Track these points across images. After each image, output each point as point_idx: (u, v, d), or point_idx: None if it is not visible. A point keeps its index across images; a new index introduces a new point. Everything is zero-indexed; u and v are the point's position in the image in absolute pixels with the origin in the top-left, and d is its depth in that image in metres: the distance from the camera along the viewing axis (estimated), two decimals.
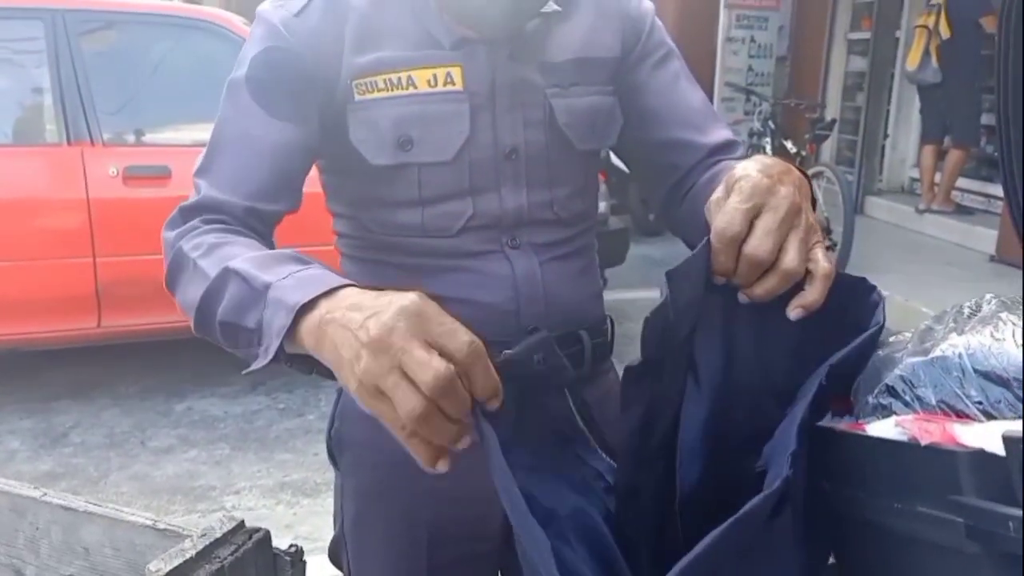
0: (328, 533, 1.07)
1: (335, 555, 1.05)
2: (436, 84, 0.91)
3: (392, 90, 0.90)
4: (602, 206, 4.16)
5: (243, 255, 0.76)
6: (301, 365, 0.70)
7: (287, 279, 0.70)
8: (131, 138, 3.53)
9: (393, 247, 0.96)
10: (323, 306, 0.65)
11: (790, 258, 0.70)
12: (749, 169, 0.72)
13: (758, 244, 0.69)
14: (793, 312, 0.71)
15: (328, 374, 0.65)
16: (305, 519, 2.62)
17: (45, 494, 0.88)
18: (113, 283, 3.32)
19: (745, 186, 0.70)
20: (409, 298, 0.60)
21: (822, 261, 0.71)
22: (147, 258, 3.32)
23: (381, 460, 0.95)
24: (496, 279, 0.93)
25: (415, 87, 0.90)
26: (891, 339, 0.86)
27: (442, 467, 0.61)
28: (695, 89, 1.04)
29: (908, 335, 0.85)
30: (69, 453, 3.07)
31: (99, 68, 3.62)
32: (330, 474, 1.05)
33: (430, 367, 0.57)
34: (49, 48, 3.34)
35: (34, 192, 3.35)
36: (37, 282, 3.27)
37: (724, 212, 0.70)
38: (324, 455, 1.04)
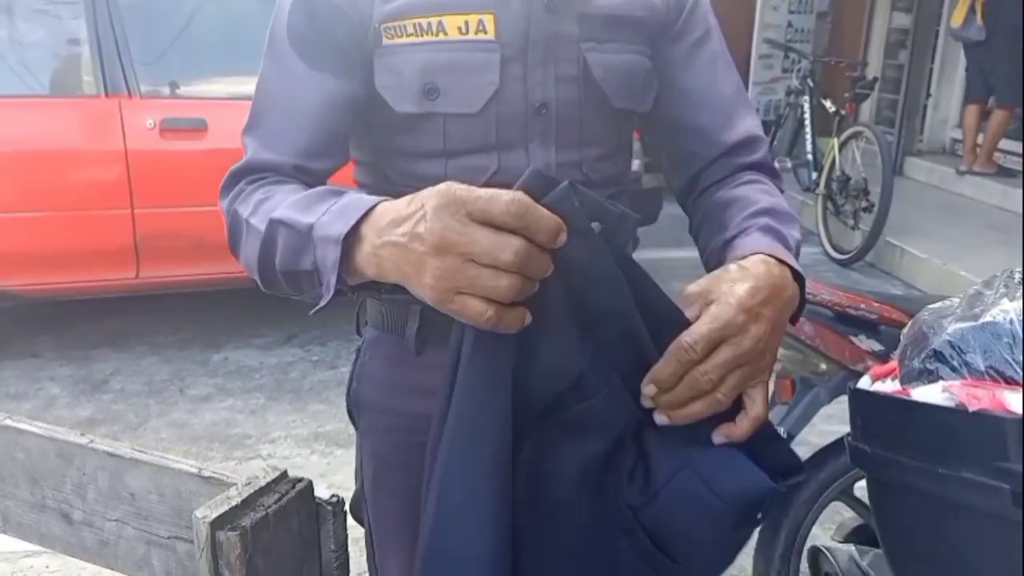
0: None
1: (356, 511, 1.06)
2: (467, 32, 0.87)
3: (421, 35, 0.87)
4: (636, 164, 4.12)
5: (284, 203, 0.78)
6: (369, 292, 0.73)
7: (326, 215, 0.72)
8: (167, 90, 3.54)
9: None
10: (367, 231, 0.67)
11: (724, 392, 0.70)
12: (732, 295, 0.71)
13: (706, 372, 0.69)
14: (717, 437, 0.73)
15: (401, 291, 0.67)
16: (338, 468, 2.67)
17: (92, 440, 0.90)
18: (151, 235, 3.36)
19: (721, 315, 0.70)
20: (439, 192, 0.61)
21: (759, 404, 0.72)
22: (184, 210, 3.37)
23: (397, 425, 0.95)
24: None
25: (445, 33, 0.87)
26: (937, 304, 0.85)
27: (527, 319, 0.64)
28: (730, 74, 1.00)
29: (956, 300, 0.84)
30: (109, 400, 3.14)
31: (136, 20, 3.63)
32: None
33: (505, 245, 0.59)
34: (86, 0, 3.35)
35: (72, 143, 3.38)
36: (76, 233, 3.32)
37: (690, 333, 0.69)
38: None
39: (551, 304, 0.67)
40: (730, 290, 0.71)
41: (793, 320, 0.78)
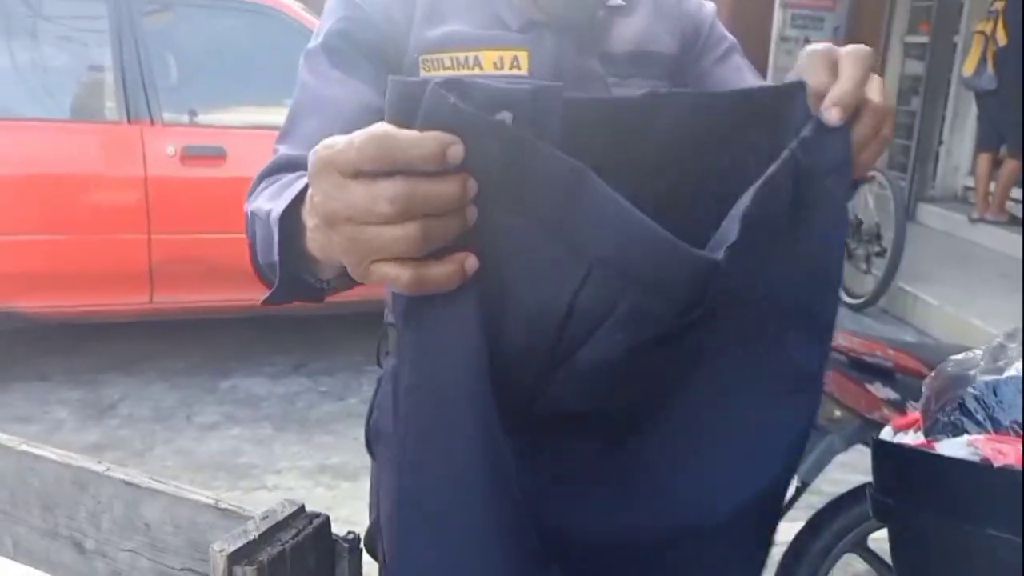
0: (365, 518, 1.08)
1: (370, 545, 1.03)
2: (502, 67, 0.90)
3: (458, 69, 0.90)
4: None
5: (265, 191, 0.75)
6: (341, 283, 0.67)
7: (283, 198, 0.66)
8: (188, 118, 3.58)
9: None
10: (304, 211, 0.61)
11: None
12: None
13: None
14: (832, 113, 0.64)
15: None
16: (344, 502, 2.66)
17: (108, 468, 0.90)
18: (166, 260, 3.38)
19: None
20: (311, 159, 0.53)
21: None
22: (201, 237, 3.39)
23: None
24: None
25: (480, 68, 0.90)
26: (960, 356, 0.84)
27: (471, 266, 0.53)
28: (758, 82, 1.04)
29: (978, 352, 0.84)
30: (116, 425, 3.14)
31: (160, 48, 3.69)
32: (368, 459, 1.06)
33: (378, 196, 0.49)
34: (112, 27, 3.40)
35: (93, 168, 3.42)
36: (92, 256, 3.35)
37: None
38: (363, 439, 1.04)
39: (502, 231, 0.54)
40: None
41: None
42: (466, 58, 0.90)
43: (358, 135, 0.51)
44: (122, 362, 3.68)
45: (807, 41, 7.41)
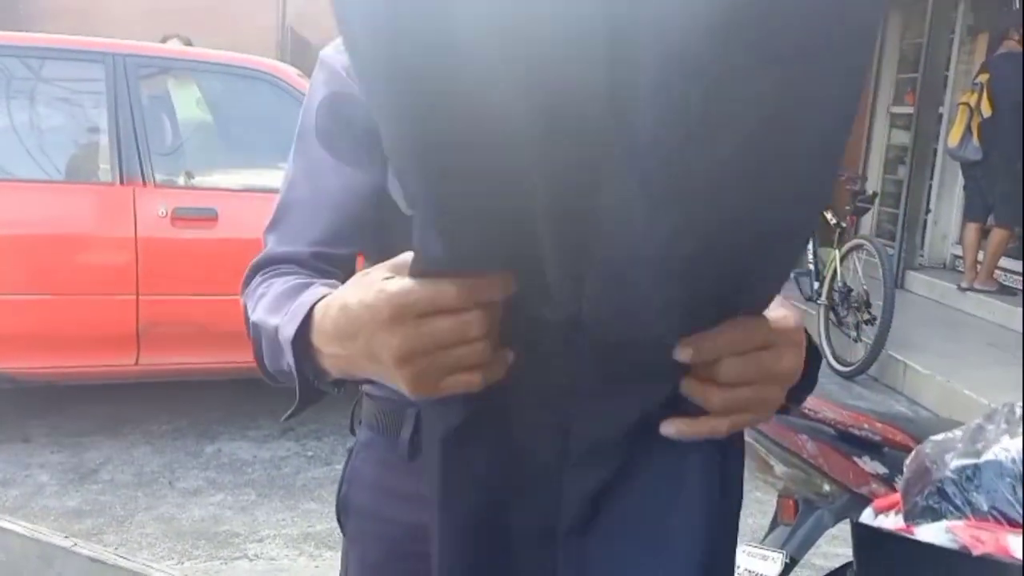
0: None
1: None
2: None
3: None
4: None
5: (265, 299, 0.78)
6: (353, 384, 0.71)
7: (286, 315, 0.71)
8: (181, 180, 3.61)
9: None
10: (315, 338, 0.67)
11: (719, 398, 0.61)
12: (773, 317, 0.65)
13: (730, 364, 0.60)
14: (668, 427, 0.62)
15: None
16: (327, 573, 2.60)
17: (75, 544, 0.88)
18: (154, 322, 3.37)
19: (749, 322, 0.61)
20: (377, 305, 0.59)
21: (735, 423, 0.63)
22: (189, 298, 3.39)
23: (387, 533, 0.92)
24: None
25: None
26: (940, 436, 0.84)
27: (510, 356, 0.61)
28: None
29: (958, 433, 0.83)
30: (97, 490, 3.08)
31: (155, 110, 3.74)
32: None
33: (470, 326, 0.57)
34: (108, 90, 3.45)
35: (84, 228, 3.44)
36: (80, 317, 3.33)
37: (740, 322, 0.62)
38: None
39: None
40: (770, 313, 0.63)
41: (796, 396, 0.69)
42: None
43: (445, 286, 0.57)
44: (106, 425, 3.64)
45: None
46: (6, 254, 3.28)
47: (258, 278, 0.86)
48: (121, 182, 3.41)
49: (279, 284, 0.81)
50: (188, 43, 4.99)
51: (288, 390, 0.74)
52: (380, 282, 0.60)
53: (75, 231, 3.41)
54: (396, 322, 0.58)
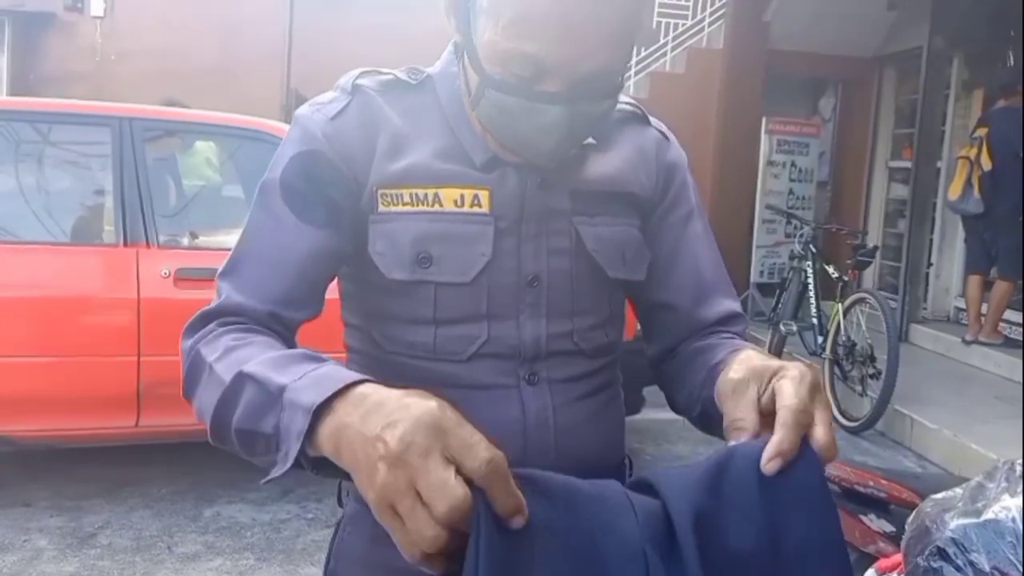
0: None
1: None
2: (462, 204, 0.89)
3: (417, 205, 0.89)
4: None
5: (258, 357, 0.75)
6: (325, 470, 0.67)
7: (302, 379, 0.68)
8: (184, 240, 3.64)
9: (402, 369, 0.91)
10: (339, 408, 0.64)
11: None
12: (789, 372, 0.74)
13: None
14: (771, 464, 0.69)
15: (349, 478, 0.63)
16: None
17: None
18: (155, 383, 3.36)
19: (794, 389, 0.72)
20: (427, 407, 0.59)
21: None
22: None
23: None
24: (504, 424, 0.88)
25: (440, 204, 0.89)
26: (940, 495, 0.83)
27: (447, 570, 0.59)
28: (711, 253, 1.02)
29: (959, 491, 0.82)
30: (95, 555, 3.04)
31: (160, 172, 3.79)
32: None
33: (445, 495, 0.56)
34: (115, 152, 3.49)
35: (87, 290, 3.45)
36: (81, 378, 3.32)
37: (789, 398, 0.71)
38: None
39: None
40: (784, 370, 0.74)
41: None
42: (426, 194, 0.89)
43: (483, 448, 0.59)
44: (106, 488, 3.60)
45: (793, 165, 7.64)
46: (9, 316, 3.28)
47: (215, 325, 0.85)
48: (125, 243, 3.43)
49: (263, 342, 0.80)
50: (184, 107, 5.09)
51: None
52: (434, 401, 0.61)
53: (78, 293, 3.42)
54: (425, 427, 0.58)
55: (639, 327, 1.07)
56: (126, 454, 3.80)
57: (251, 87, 7.85)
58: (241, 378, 0.73)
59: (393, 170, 0.89)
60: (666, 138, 1.04)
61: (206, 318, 0.87)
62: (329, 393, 0.64)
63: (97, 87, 8.10)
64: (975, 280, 5.82)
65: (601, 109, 0.86)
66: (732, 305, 1.01)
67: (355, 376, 0.66)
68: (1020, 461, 0.82)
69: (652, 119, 1.05)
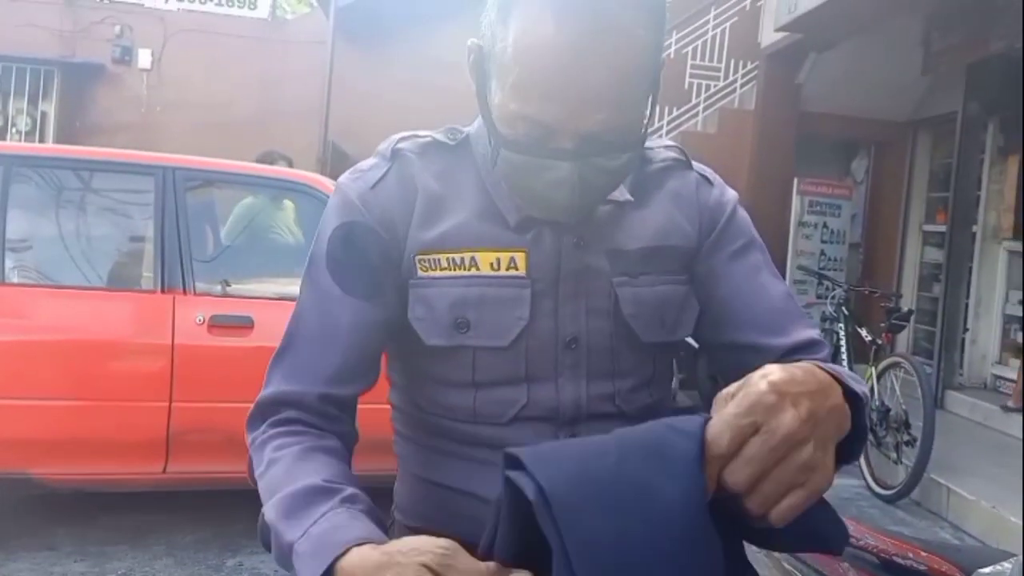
0: None
1: None
2: (499, 268, 0.90)
3: (454, 270, 0.89)
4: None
5: (279, 491, 0.81)
6: None
7: (303, 539, 0.74)
8: (219, 288, 3.68)
9: (443, 431, 0.92)
10: (342, 572, 0.70)
11: (756, 498, 0.63)
12: (762, 379, 0.65)
13: (734, 470, 0.63)
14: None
15: None
16: None
17: None
18: (184, 429, 3.37)
19: (745, 399, 0.64)
20: (430, 556, 0.65)
21: (784, 513, 0.64)
22: (221, 405, 3.39)
23: None
24: None
25: (477, 268, 0.89)
26: (988, 570, 0.80)
27: None
28: (777, 283, 0.99)
29: (1007, 566, 0.80)
30: None
31: (199, 220, 3.85)
32: None
33: None
34: (157, 201, 3.56)
35: (122, 335, 3.49)
36: (111, 423, 3.34)
37: (715, 424, 0.65)
38: None
39: None
40: (762, 375, 0.65)
41: (847, 456, 0.70)
42: (462, 259, 0.90)
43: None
44: (131, 534, 3.59)
45: (825, 227, 7.60)
46: (43, 359, 3.32)
47: (267, 426, 0.88)
48: (162, 290, 3.48)
49: (289, 459, 0.84)
50: (286, 160, 5.57)
51: None
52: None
53: (113, 337, 3.46)
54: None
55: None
56: (152, 500, 3.80)
57: (290, 138, 8.00)
58: (266, 524, 0.82)
59: (430, 236, 0.90)
60: (708, 181, 1.03)
61: (262, 410, 0.90)
62: (328, 563, 0.70)
63: (142, 137, 8.31)
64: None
65: (620, 162, 0.85)
66: (810, 333, 0.97)
67: (347, 541, 0.72)
68: None
69: (695, 164, 1.04)
